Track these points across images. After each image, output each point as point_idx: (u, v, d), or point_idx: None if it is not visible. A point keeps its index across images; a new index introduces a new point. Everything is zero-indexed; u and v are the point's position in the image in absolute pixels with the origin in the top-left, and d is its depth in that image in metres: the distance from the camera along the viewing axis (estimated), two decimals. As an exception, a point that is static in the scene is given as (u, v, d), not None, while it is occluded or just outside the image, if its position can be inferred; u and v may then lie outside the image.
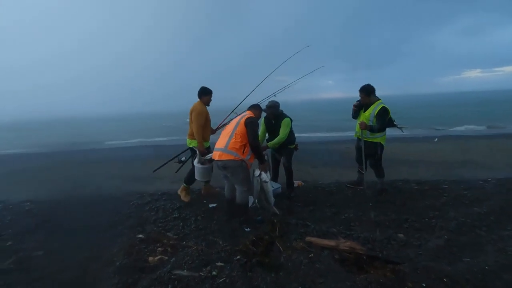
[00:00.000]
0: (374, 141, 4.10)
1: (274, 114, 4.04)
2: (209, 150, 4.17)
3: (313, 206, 3.89)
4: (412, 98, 75.81)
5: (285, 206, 3.87)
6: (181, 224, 3.54)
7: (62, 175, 6.81)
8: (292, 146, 4.18)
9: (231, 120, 4.36)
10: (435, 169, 5.79)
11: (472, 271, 2.36)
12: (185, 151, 4.45)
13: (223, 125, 4.43)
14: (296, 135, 4.25)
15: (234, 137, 3.29)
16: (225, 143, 3.31)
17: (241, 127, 3.31)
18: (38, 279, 2.60)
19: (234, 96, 4.41)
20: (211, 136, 4.30)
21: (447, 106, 36.29)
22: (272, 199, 3.43)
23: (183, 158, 4.41)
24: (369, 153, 4.15)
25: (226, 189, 3.59)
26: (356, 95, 4.30)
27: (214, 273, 2.46)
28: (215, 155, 3.36)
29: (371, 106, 4.06)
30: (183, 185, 4.31)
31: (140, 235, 3.26)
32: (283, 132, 3.96)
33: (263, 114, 3.98)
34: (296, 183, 4.59)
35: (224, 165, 3.31)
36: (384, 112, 3.95)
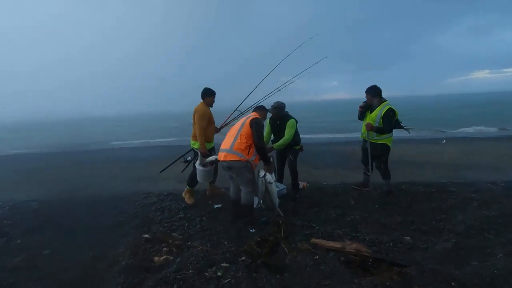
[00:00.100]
0: (380, 142, 4.07)
1: (279, 115, 4.04)
2: (212, 151, 4.18)
3: (318, 207, 3.88)
4: (419, 99, 75.02)
5: (290, 207, 3.86)
6: (186, 224, 3.56)
7: (69, 175, 6.91)
8: (297, 147, 4.17)
9: (235, 118, 4.35)
10: (442, 171, 5.71)
11: (480, 275, 2.32)
12: (189, 151, 4.47)
13: (226, 124, 4.44)
14: (301, 136, 4.24)
15: (239, 137, 3.30)
16: (230, 143, 3.32)
17: (246, 128, 3.33)
18: (45, 277, 2.64)
19: (242, 97, 4.41)
20: (216, 137, 4.31)
21: (455, 108, 35.80)
22: (276, 200, 3.43)
23: (188, 158, 4.43)
24: (375, 155, 4.12)
25: (232, 189, 3.60)
26: (361, 96, 4.26)
27: (219, 273, 2.46)
28: (221, 155, 3.37)
29: (378, 108, 4.03)
30: (186, 187, 4.33)
31: (146, 235, 3.28)
32: (288, 133, 3.95)
33: (268, 115, 3.99)
34: (301, 184, 4.58)
35: (229, 166, 3.32)
36: (391, 113, 3.92)
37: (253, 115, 3.53)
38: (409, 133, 4.61)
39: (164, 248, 2.96)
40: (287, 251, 2.74)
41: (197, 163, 3.95)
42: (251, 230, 3.25)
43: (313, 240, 2.90)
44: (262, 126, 3.45)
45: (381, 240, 2.96)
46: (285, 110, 4.08)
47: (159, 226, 3.55)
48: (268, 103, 4.01)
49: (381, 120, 3.96)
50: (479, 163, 6.25)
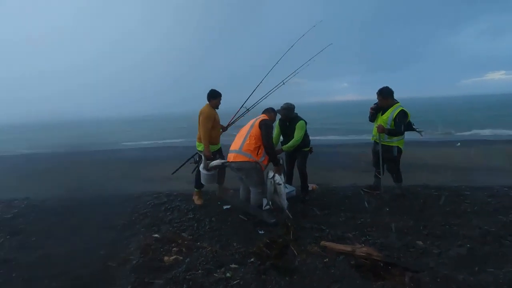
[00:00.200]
0: (391, 145, 4.00)
1: (289, 117, 4.03)
2: (219, 153, 4.17)
3: (328, 210, 3.84)
4: (432, 101, 73.39)
5: (299, 210, 3.84)
6: (195, 224, 3.58)
7: (82, 175, 7.07)
8: (307, 149, 4.15)
9: (241, 115, 4.34)
10: (456, 174, 5.56)
11: (497, 282, 2.25)
12: (196, 154, 4.51)
13: (233, 122, 4.45)
14: (310, 137, 4.22)
15: (248, 139, 3.31)
16: (239, 145, 3.34)
17: (256, 129, 3.34)
18: (59, 275, 2.70)
19: (252, 96, 4.42)
20: (224, 139, 4.33)
21: (470, 109, 34.83)
22: (285, 202, 3.42)
23: (198, 158, 4.47)
24: (387, 157, 4.06)
25: (241, 190, 3.62)
26: (372, 98, 4.21)
27: (228, 274, 2.47)
28: (230, 157, 3.39)
29: (389, 109, 3.97)
30: (194, 190, 4.37)
31: (156, 235, 3.32)
32: (297, 135, 3.94)
33: (278, 117, 3.98)
34: (311, 186, 4.55)
35: (239, 167, 3.33)
36: (403, 115, 3.86)
37: (262, 116, 3.54)
38: (421, 135, 4.52)
39: (174, 248, 2.98)
40: (296, 254, 2.73)
41: (201, 166, 3.97)
42: (260, 232, 3.25)
43: (322, 242, 2.87)
44: (272, 128, 3.45)
45: (393, 244, 2.90)
46: (295, 111, 4.06)
47: (169, 226, 3.59)
48: (277, 105, 4.01)
49: (392, 122, 3.91)
50: (495, 167, 6.06)
